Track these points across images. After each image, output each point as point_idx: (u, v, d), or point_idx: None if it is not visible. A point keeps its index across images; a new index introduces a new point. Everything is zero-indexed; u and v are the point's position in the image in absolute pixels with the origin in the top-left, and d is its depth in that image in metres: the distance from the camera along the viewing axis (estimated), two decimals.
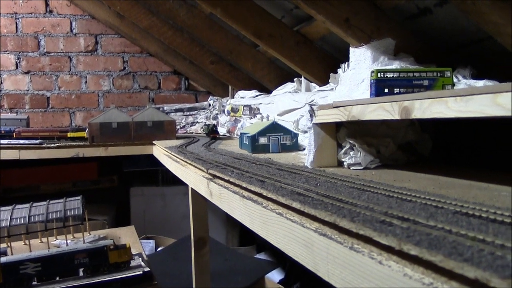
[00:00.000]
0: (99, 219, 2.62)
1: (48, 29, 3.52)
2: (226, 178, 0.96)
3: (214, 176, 1.07)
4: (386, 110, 0.79)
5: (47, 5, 3.51)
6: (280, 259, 2.71)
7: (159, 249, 2.78)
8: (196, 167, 1.26)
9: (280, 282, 2.40)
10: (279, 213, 0.67)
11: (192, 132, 2.97)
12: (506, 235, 0.39)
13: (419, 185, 0.75)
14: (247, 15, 1.87)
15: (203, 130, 2.77)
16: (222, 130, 2.56)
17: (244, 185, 0.84)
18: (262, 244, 3.12)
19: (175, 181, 3.21)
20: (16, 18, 3.47)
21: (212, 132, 2.21)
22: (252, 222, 0.79)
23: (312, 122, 1.05)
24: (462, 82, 1.11)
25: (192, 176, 1.28)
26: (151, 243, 2.78)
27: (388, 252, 0.44)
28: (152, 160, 2.41)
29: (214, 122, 2.84)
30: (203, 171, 1.17)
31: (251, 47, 2.52)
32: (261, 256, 2.89)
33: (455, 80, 1.07)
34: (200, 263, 1.48)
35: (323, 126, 1.04)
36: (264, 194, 0.73)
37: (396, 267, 0.41)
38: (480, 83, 1.05)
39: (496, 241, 0.37)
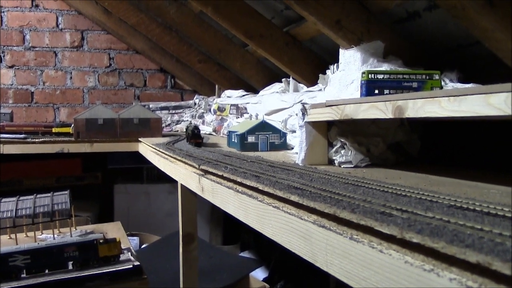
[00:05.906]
0: (83, 216, 2.61)
1: (34, 24, 3.48)
2: (220, 173, 0.97)
3: (206, 172, 1.08)
4: (379, 109, 0.81)
5: None
6: (264, 257, 2.72)
7: (143, 246, 2.77)
8: (186, 163, 1.27)
9: (264, 280, 2.42)
10: (276, 206, 0.68)
11: (178, 131, 2.97)
12: (502, 225, 0.41)
13: (411, 182, 0.78)
14: (238, 15, 1.87)
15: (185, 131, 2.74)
16: (208, 129, 2.57)
17: (239, 180, 0.85)
18: (246, 243, 3.13)
19: (160, 179, 3.22)
20: (1, 12, 3.42)
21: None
22: (246, 216, 0.80)
23: (304, 120, 1.07)
24: (449, 86, 1.13)
25: (182, 172, 1.29)
26: (135, 240, 2.77)
27: (388, 242, 0.46)
28: (136, 157, 2.41)
29: (199, 121, 2.85)
30: (194, 167, 1.18)
31: (239, 47, 2.53)
32: (245, 254, 2.90)
33: (442, 83, 1.10)
34: (188, 259, 1.49)
35: (315, 124, 1.06)
36: (260, 188, 0.75)
37: (397, 255, 0.42)
38: (468, 86, 1.08)
39: (493, 230, 0.39)
